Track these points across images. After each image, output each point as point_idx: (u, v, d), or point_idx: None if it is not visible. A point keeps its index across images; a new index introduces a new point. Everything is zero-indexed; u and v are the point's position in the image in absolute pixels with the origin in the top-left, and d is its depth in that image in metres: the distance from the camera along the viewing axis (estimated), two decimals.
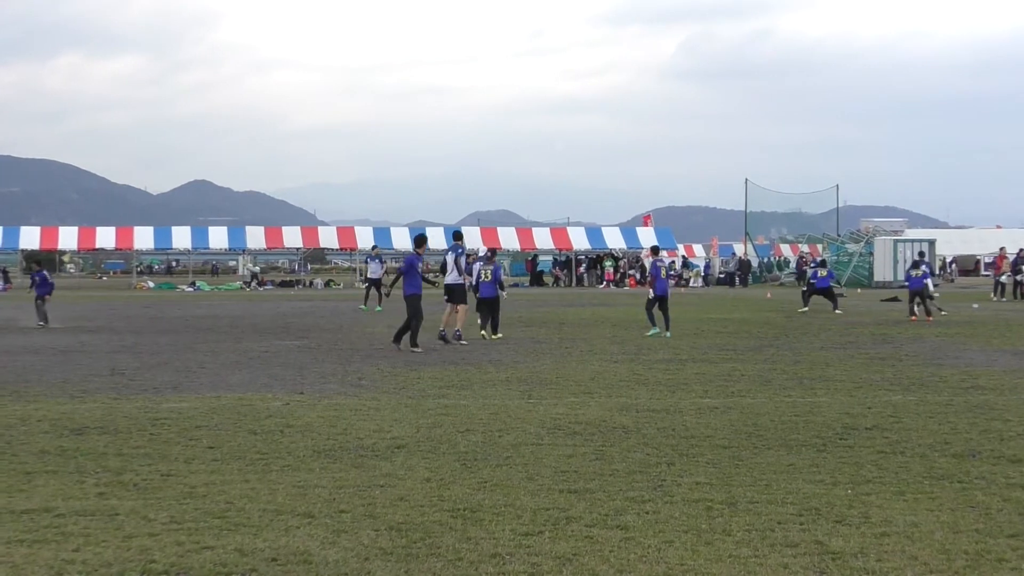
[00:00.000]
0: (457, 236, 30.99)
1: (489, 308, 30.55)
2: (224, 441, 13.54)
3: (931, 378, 20.46)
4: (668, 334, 30.06)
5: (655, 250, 37.97)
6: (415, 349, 25.87)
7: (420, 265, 28.11)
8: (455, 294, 28.82)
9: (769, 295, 62.30)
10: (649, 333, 30.38)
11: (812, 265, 45.91)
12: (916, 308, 37.65)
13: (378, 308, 43.82)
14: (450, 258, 29.60)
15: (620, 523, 9.37)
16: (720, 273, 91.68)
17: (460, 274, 29.06)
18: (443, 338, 28.13)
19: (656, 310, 31.14)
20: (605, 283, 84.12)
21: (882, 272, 78.68)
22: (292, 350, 26.79)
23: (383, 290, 36.29)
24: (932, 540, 8.90)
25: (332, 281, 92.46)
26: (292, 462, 12.17)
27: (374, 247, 52.90)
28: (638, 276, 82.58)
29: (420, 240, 28.48)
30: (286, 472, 11.61)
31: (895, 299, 53.30)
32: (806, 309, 42.38)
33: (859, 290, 70.35)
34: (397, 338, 26.60)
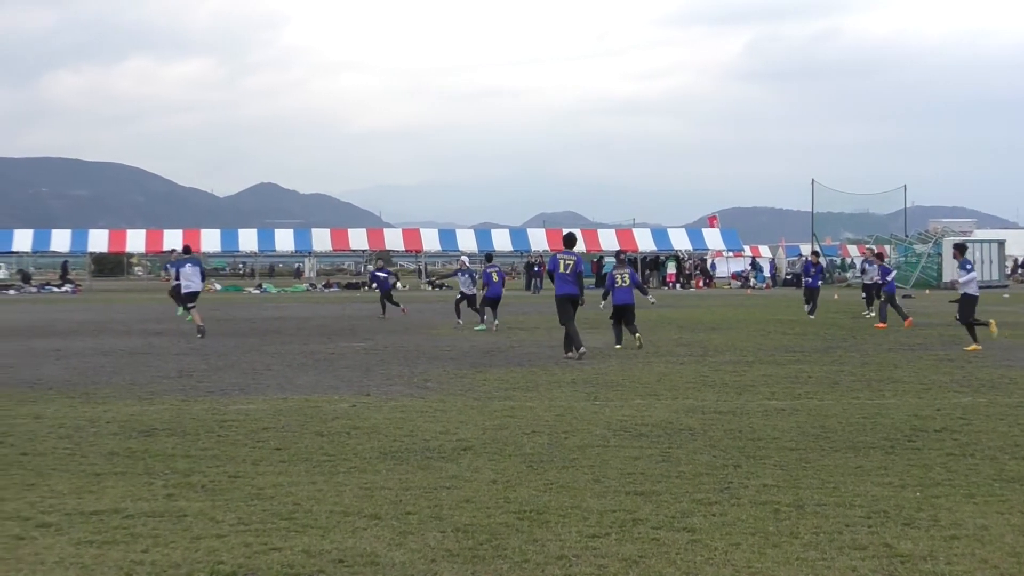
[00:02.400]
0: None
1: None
2: (291, 443, 13.60)
3: (1001, 380, 20.27)
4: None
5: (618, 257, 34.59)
6: (568, 355, 24.97)
7: (560, 265, 26.04)
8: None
9: (836, 296, 61.87)
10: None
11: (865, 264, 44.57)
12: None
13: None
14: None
15: (687, 525, 9.33)
16: (787, 274, 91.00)
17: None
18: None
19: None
20: (669, 284, 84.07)
21: (950, 273, 77.85)
22: (358, 352, 26.87)
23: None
24: (1002, 543, 8.80)
25: (397, 282, 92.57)
26: (359, 464, 12.20)
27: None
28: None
29: (570, 240, 27.00)
30: (353, 474, 11.64)
31: None
32: (870, 313, 41.60)
33: (927, 291, 69.73)
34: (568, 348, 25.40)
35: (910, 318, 35.93)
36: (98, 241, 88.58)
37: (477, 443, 13.51)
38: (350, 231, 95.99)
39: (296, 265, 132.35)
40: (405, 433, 14.26)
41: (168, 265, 40.10)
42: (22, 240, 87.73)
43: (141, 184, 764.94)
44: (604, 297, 28.99)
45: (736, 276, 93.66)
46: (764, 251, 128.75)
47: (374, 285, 46.18)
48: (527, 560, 8.32)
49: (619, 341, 27.60)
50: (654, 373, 21.52)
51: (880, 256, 42.45)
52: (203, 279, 35.66)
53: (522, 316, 41.75)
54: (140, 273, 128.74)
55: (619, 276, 28.46)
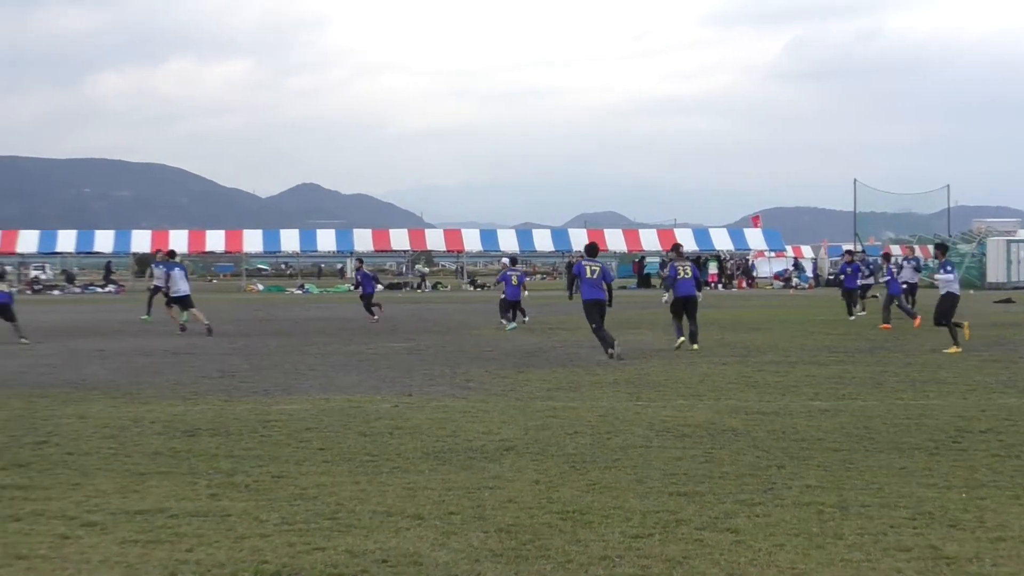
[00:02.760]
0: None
1: (689, 307, 27.41)
2: (334, 443, 13.64)
3: None
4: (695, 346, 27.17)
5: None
6: (609, 352, 24.83)
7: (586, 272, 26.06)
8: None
9: (878, 295, 61.50)
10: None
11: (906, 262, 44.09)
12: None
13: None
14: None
15: (730, 526, 9.31)
16: (829, 274, 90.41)
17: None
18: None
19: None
20: (711, 284, 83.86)
21: (995, 273, 77.57)
22: (400, 352, 26.93)
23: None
24: None
25: (440, 283, 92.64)
26: (401, 464, 12.22)
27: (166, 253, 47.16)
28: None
29: (593, 249, 27.37)
30: (396, 474, 11.67)
31: (1009, 300, 52.51)
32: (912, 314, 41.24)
33: (971, 291, 69.25)
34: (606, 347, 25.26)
35: (919, 317, 35.59)
36: (141, 242, 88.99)
37: (520, 443, 13.51)
38: (392, 231, 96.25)
39: (339, 265, 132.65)
40: (448, 433, 14.28)
41: (156, 264, 38.13)
42: (66, 241, 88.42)
43: (183, 185, 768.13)
44: (666, 289, 28.63)
45: (778, 276, 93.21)
46: (806, 251, 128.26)
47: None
48: (570, 560, 8.32)
49: (681, 333, 27.02)
50: (696, 373, 21.47)
51: (887, 257, 42.51)
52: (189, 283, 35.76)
53: (564, 317, 41.68)
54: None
55: (681, 268, 27.95)
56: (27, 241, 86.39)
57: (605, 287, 25.95)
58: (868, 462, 12.20)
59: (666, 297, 28.47)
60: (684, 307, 27.51)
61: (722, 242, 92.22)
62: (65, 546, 8.75)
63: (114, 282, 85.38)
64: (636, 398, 17.97)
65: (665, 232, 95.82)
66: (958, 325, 26.68)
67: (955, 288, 27.23)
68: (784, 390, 18.89)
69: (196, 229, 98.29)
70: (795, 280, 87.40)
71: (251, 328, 35.84)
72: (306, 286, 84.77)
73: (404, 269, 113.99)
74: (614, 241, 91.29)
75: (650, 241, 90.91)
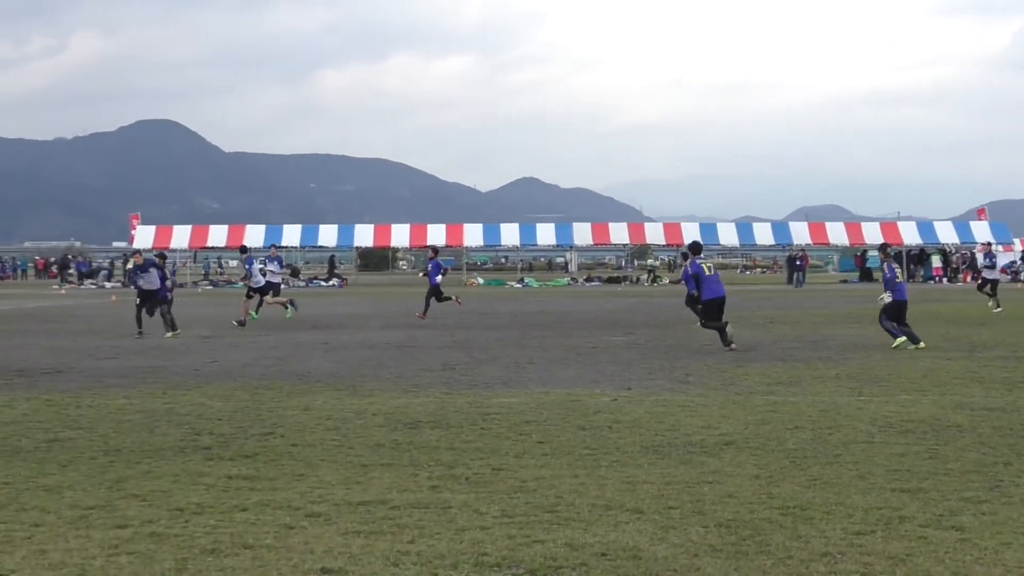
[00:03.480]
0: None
1: (902, 312, 26.39)
2: (553, 436, 13.69)
3: None
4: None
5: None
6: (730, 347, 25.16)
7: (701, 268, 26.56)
8: None
9: None
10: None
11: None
12: None
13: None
14: None
15: (955, 524, 9.10)
16: None
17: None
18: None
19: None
20: (935, 278, 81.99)
21: None
22: (619, 346, 26.91)
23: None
24: None
25: (658, 278, 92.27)
26: (620, 457, 12.22)
27: (272, 246, 46.05)
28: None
29: (696, 247, 28.06)
30: (615, 467, 11.67)
31: None
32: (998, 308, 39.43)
33: None
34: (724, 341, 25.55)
35: None
36: (364, 236, 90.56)
37: (739, 438, 13.41)
38: (611, 225, 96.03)
39: (560, 259, 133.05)
40: (667, 427, 14.24)
41: (266, 259, 38.22)
42: (291, 235, 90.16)
43: (406, 179, 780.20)
44: (886, 289, 28.08)
45: (1005, 270, 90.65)
46: None
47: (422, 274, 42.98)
48: (791, 557, 8.22)
49: (914, 340, 25.49)
50: (920, 368, 21.05)
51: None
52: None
53: (784, 311, 41.26)
54: (405, 267, 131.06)
55: (899, 271, 27.09)
56: (254, 235, 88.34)
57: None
58: None
59: (882, 297, 27.69)
60: (900, 311, 26.42)
61: (947, 235, 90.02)
62: (290, 536, 8.94)
63: (338, 276, 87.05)
64: (858, 393, 17.72)
65: (888, 225, 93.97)
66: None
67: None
68: (1011, 386, 18.42)
69: (417, 223, 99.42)
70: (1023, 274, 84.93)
71: (472, 322, 36.18)
72: (526, 280, 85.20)
73: (623, 263, 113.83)
74: (835, 234, 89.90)
75: (873, 234, 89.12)
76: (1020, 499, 10.05)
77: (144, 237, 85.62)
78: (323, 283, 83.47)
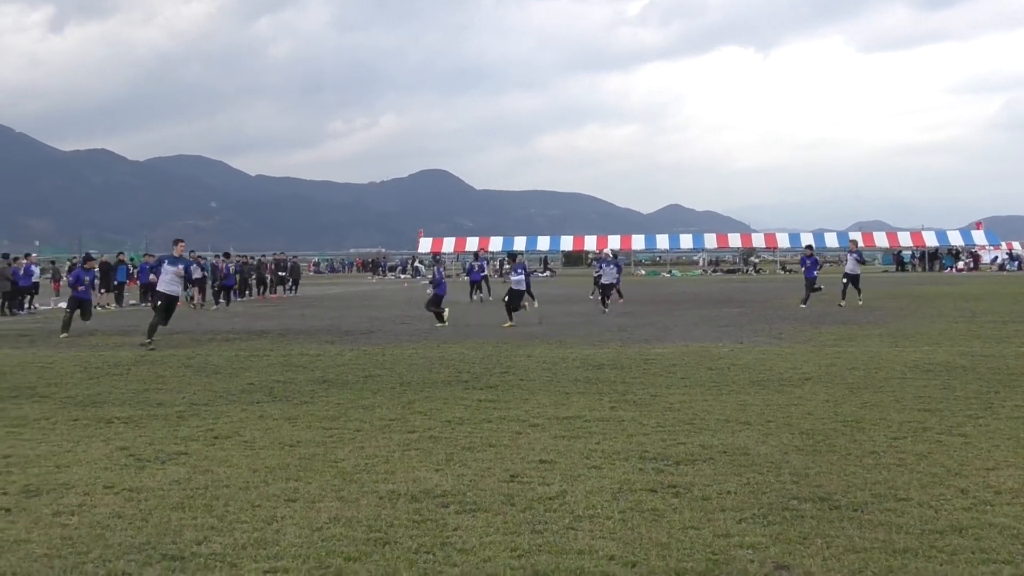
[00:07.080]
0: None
1: None
2: (691, 374, 13.57)
3: None
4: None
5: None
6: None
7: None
8: None
9: None
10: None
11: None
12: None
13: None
14: None
15: (961, 432, 8.84)
16: None
17: None
18: None
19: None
20: (952, 269, 76.86)
21: None
22: (734, 314, 26.45)
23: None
24: None
25: (761, 269, 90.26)
26: (735, 388, 12.07)
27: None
28: None
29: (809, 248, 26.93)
30: (731, 395, 11.52)
31: None
32: None
33: None
34: None
35: None
36: (566, 244, 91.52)
37: (815, 375, 13.15)
38: (729, 235, 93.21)
39: (695, 257, 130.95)
40: (766, 368, 14.01)
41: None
42: (519, 244, 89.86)
43: (593, 206, 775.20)
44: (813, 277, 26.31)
45: (994, 262, 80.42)
46: None
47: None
48: (849, 453, 8.02)
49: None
50: (936, 328, 20.40)
51: None
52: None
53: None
54: (593, 264, 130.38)
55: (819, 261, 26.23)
56: (494, 244, 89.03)
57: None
58: None
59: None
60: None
61: (955, 240, 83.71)
62: (518, 439, 9.02)
63: (550, 269, 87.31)
64: (895, 345, 17.23)
65: (915, 234, 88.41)
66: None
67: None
68: (1000, 340, 17.75)
69: (601, 235, 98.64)
70: None
71: (635, 300, 36.07)
72: (672, 272, 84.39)
73: (737, 260, 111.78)
74: (880, 240, 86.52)
75: (905, 241, 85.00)
76: (1007, 416, 9.77)
77: (425, 245, 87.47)
78: (539, 274, 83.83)
